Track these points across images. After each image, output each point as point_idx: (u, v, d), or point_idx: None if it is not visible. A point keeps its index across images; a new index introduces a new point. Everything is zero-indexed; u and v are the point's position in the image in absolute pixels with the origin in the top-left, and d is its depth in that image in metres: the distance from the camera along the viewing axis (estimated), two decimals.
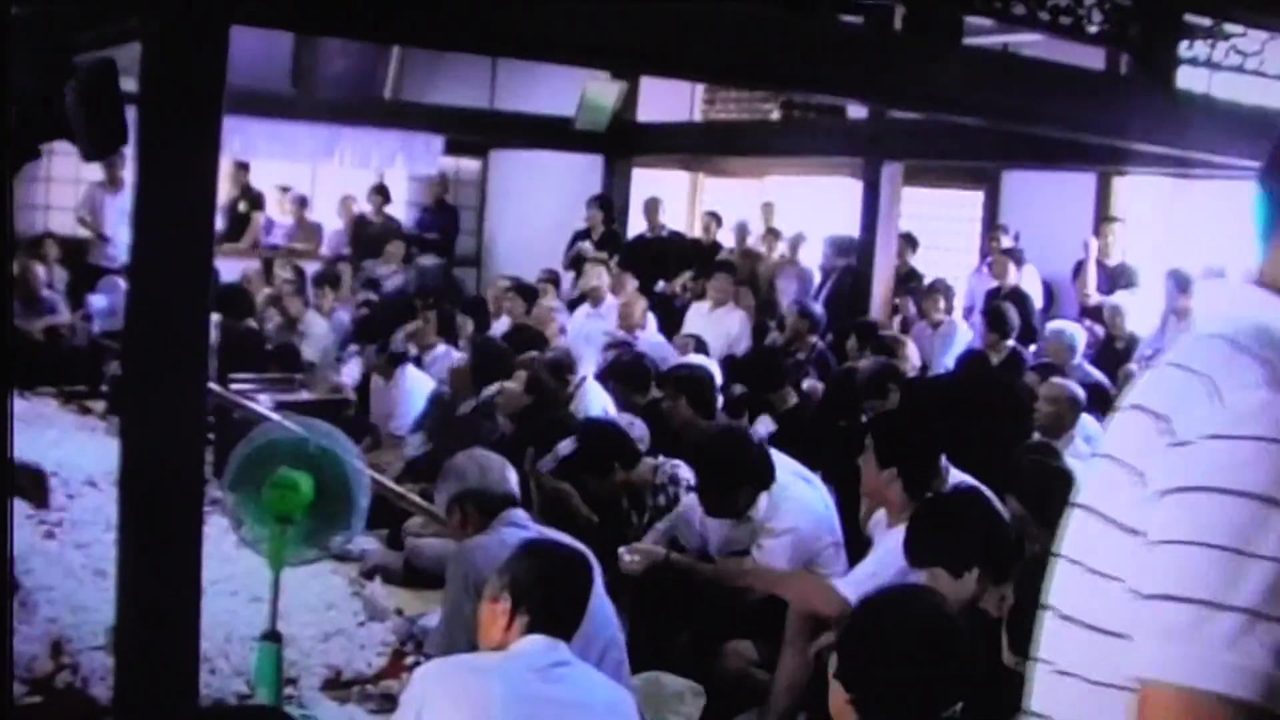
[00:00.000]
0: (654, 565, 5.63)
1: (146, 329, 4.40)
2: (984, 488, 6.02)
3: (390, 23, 5.65)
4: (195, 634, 4.66)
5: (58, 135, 2.88)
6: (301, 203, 15.10)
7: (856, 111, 12.20)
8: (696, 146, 14.71)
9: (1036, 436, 6.92)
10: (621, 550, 5.74)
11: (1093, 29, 6.69)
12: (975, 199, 12.77)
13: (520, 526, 4.77)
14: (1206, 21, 7.28)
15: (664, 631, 5.57)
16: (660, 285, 12.93)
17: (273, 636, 4.89)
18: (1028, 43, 8.82)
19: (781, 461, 6.60)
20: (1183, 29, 7.05)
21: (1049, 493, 5.48)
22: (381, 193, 14.89)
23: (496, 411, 7.58)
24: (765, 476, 5.57)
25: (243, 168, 15.05)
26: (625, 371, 8.28)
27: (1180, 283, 9.42)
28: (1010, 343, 9.49)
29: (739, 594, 5.48)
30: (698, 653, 5.44)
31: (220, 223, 14.46)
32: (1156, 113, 6.98)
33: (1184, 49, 7.06)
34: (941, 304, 10.52)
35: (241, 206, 15.14)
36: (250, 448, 4.87)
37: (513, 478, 4.96)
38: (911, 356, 9.42)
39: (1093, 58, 8.39)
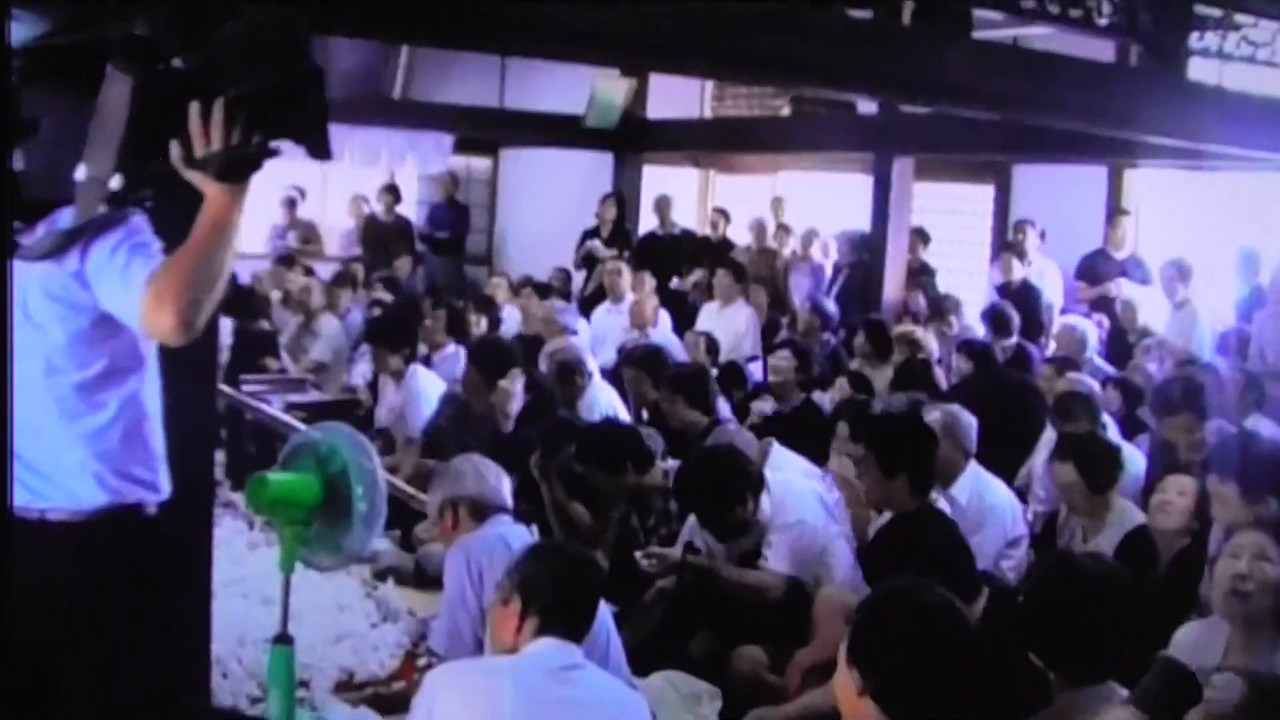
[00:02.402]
0: (671, 567, 5.63)
1: None
2: (996, 484, 6.09)
3: (396, 21, 5.65)
4: (206, 636, 4.66)
5: (296, 135, 2.89)
6: (290, 204, 15.05)
7: (867, 107, 12.16)
8: (706, 143, 14.69)
9: (1049, 431, 6.89)
10: (638, 554, 5.73)
11: (1102, 20, 6.64)
12: (986, 193, 12.73)
13: (511, 526, 4.77)
14: (1217, 12, 7.23)
15: (681, 633, 5.54)
16: (675, 282, 12.91)
17: (284, 639, 4.86)
18: (1038, 35, 8.77)
19: (787, 458, 6.61)
20: (1193, 20, 6.99)
21: (1101, 459, 5.53)
22: (392, 192, 14.87)
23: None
24: (756, 482, 5.56)
25: None
26: (642, 361, 8.26)
27: (1180, 273, 9.37)
28: (1013, 340, 9.44)
29: (756, 595, 5.45)
30: (715, 655, 5.41)
31: None
32: (1167, 104, 6.92)
33: (1195, 40, 7.01)
34: (953, 320, 10.45)
35: None
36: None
37: (506, 485, 4.94)
38: (930, 348, 9.40)
39: (1103, 50, 8.37)
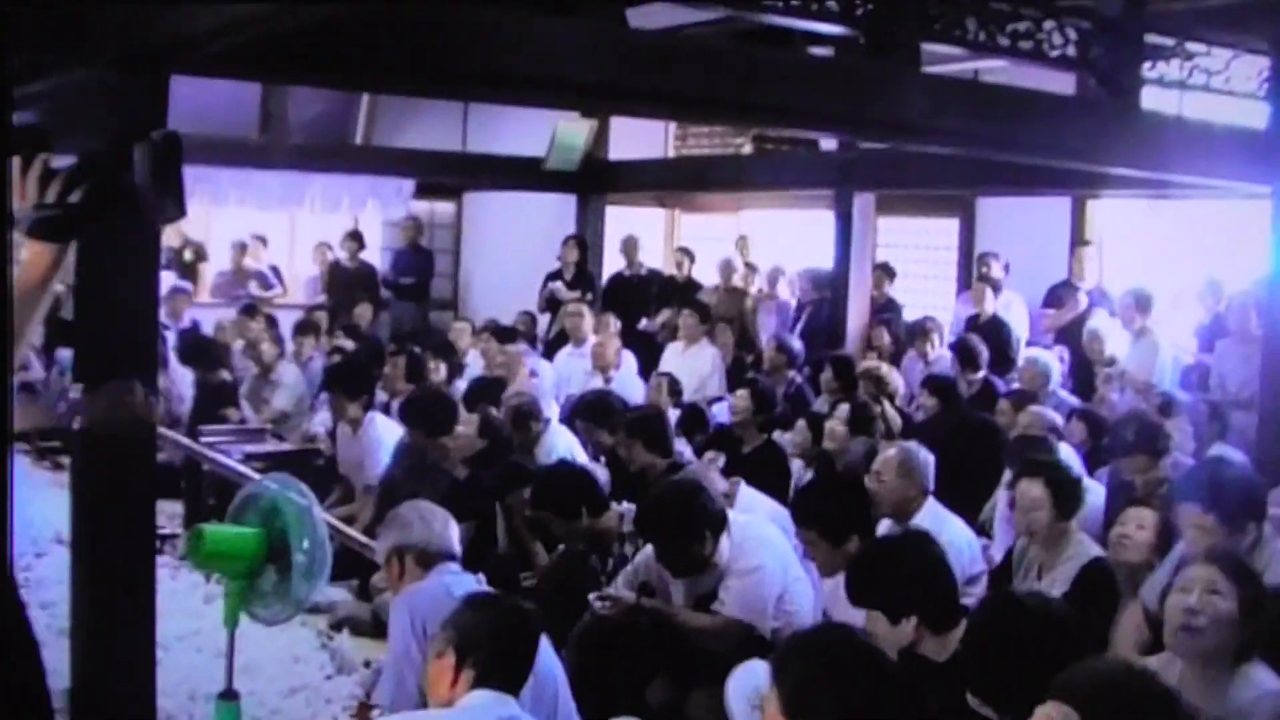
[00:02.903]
0: (625, 610, 5.55)
1: (95, 374, 4.35)
2: (953, 521, 6.02)
3: (358, 70, 5.63)
4: (151, 693, 4.58)
5: (127, 201, 2.83)
6: (241, 249, 14.96)
7: (829, 143, 12.17)
8: (668, 183, 14.65)
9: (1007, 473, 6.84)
10: (592, 596, 5.66)
11: (1054, 53, 6.63)
12: (951, 227, 12.69)
13: (458, 575, 4.69)
14: (1170, 41, 7.22)
15: (637, 677, 5.46)
16: (643, 323, 12.87)
17: (229, 695, 4.80)
18: (1000, 69, 8.74)
19: (754, 498, 6.55)
20: (1145, 50, 6.98)
21: (1068, 483, 5.49)
22: (355, 238, 14.82)
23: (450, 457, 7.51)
24: (718, 520, 5.48)
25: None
26: (588, 410, 8.23)
27: (1138, 302, 9.35)
28: (982, 374, 9.41)
29: (710, 640, 5.37)
30: (672, 701, 5.33)
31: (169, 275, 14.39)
32: (1121, 135, 6.92)
33: (1148, 70, 7.00)
34: (936, 340, 10.43)
35: (187, 255, 15.04)
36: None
37: (454, 533, 4.86)
38: (895, 384, 9.38)
39: (1064, 82, 8.36)
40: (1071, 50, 6.72)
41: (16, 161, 2.75)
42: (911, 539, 4.96)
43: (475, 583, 4.68)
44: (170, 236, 14.91)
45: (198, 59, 4.73)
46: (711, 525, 5.46)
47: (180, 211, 2.88)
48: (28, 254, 2.82)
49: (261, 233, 15.32)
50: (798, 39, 8.84)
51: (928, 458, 6.11)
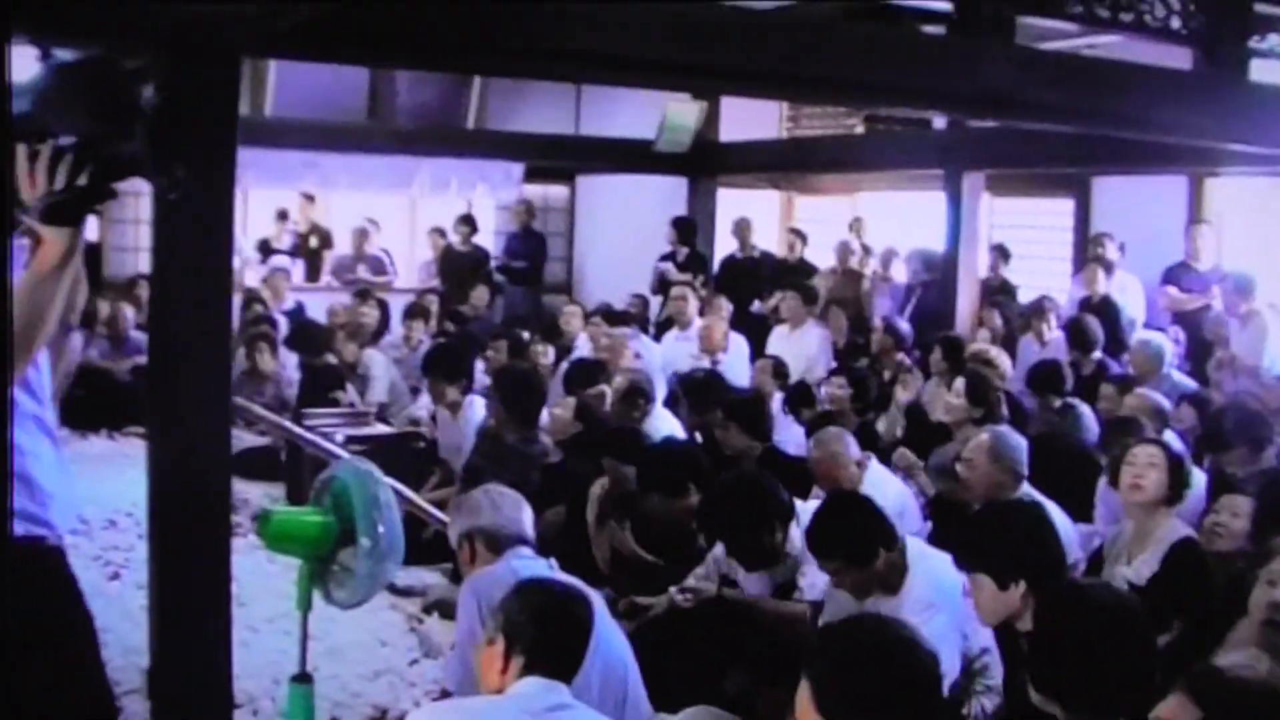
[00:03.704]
0: (706, 602, 5.47)
1: (169, 358, 4.39)
2: (1050, 507, 5.85)
3: (470, 53, 5.64)
4: (227, 675, 4.60)
5: (131, 174, 2.85)
6: (361, 234, 15.04)
7: (940, 123, 11.98)
8: (778, 163, 14.54)
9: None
10: (672, 589, 5.59)
11: (1155, 24, 6.42)
12: (1066, 207, 12.44)
13: (528, 560, 4.64)
14: None
15: (714, 670, 5.37)
16: (755, 306, 12.78)
17: (303, 678, 4.79)
18: (1119, 45, 8.50)
19: (879, 475, 6.44)
20: (1254, 21, 6.75)
21: (1178, 460, 5.31)
22: (468, 223, 14.84)
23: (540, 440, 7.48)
24: (786, 510, 5.38)
25: (309, 200, 15.11)
26: (692, 390, 8.14)
27: (1238, 287, 9.07)
28: (1096, 356, 9.19)
29: (793, 629, 5.27)
30: (749, 692, 5.24)
31: (292, 261, 14.54)
32: (1231, 108, 6.69)
33: (1256, 41, 6.77)
34: (1051, 321, 10.22)
35: (313, 242, 15.20)
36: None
37: (526, 517, 4.82)
38: (1004, 367, 9.18)
39: (1181, 58, 8.12)
40: (1175, 22, 6.52)
41: (22, 150, 2.75)
42: (1023, 504, 4.82)
43: (546, 568, 4.63)
44: (298, 222, 15.12)
45: (266, 40, 4.75)
46: (779, 514, 5.37)
47: (188, 173, 2.87)
48: (44, 240, 2.83)
49: (376, 218, 15.41)
50: (908, 17, 8.74)
51: (1020, 442, 5.95)
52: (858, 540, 4.84)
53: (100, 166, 2.78)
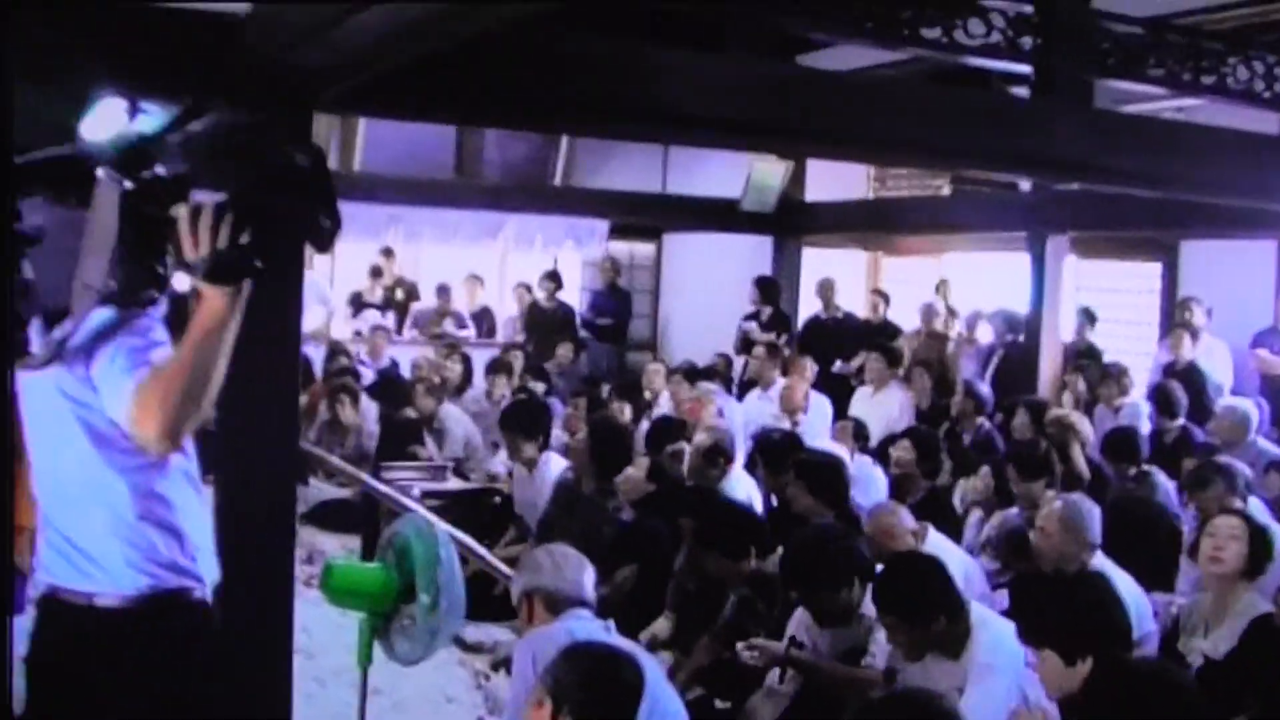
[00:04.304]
0: (773, 660, 5.43)
1: (236, 406, 4.43)
2: (1123, 577, 5.76)
3: (558, 114, 5.70)
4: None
5: (286, 231, 2.96)
6: (441, 290, 15.14)
7: (1028, 185, 11.91)
8: (863, 224, 14.51)
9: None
10: (740, 645, 5.56)
11: (1238, 87, 6.36)
12: (1153, 270, 12.30)
13: (585, 621, 4.62)
14: None
15: None
16: (837, 366, 12.72)
17: None
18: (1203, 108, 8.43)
19: (939, 543, 6.34)
20: None
21: (1259, 531, 5.22)
22: (553, 279, 14.91)
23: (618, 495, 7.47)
24: (867, 568, 5.33)
25: (387, 255, 15.20)
26: (767, 450, 8.09)
27: None
28: (1179, 422, 9.06)
29: (859, 693, 5.21)
30: None
31: (383, 315, 14.67)
32: None
33: None
34: (1118, 388, 10.08)
35: (399, 295, 15.32)
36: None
37: (588, 578, 4.80)
38: (1086, 432, 9.05)
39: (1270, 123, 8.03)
40: (1259, 84, 6.45)
41: (184, 211, 2.83)
42: (1089, 578, 4.75)
43: (603, 630, 4.61)
44: (386, 276, 15.27)
45: (343, 97, 4.82)
46: (859, 571, 5.33)
47: (336, 227, 2.93)
48: (205, 299, 2.88)
49: (479, 273, 15.51)
50: (994, 80, 8.71)
51: (1093, 510, 5.85)
52: (917, 600, 4.80)
53: (260, 225, 2.84)
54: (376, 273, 15.12)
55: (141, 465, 3.09)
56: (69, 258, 2.90)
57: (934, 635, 4.76)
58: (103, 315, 2.98)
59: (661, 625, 6.61)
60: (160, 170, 2.93)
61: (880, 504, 6.78)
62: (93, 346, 2.99)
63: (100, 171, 2.87)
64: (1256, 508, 6.76)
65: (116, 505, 3.10)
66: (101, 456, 3.07)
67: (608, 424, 8.32)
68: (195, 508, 3.26)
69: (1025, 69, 6.87)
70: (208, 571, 3.28)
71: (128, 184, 2.86)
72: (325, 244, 2.99)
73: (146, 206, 2.87)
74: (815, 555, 5.42)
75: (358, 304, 14.86)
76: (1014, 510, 7.19)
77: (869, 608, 5.30)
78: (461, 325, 14.90)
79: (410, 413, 10.64)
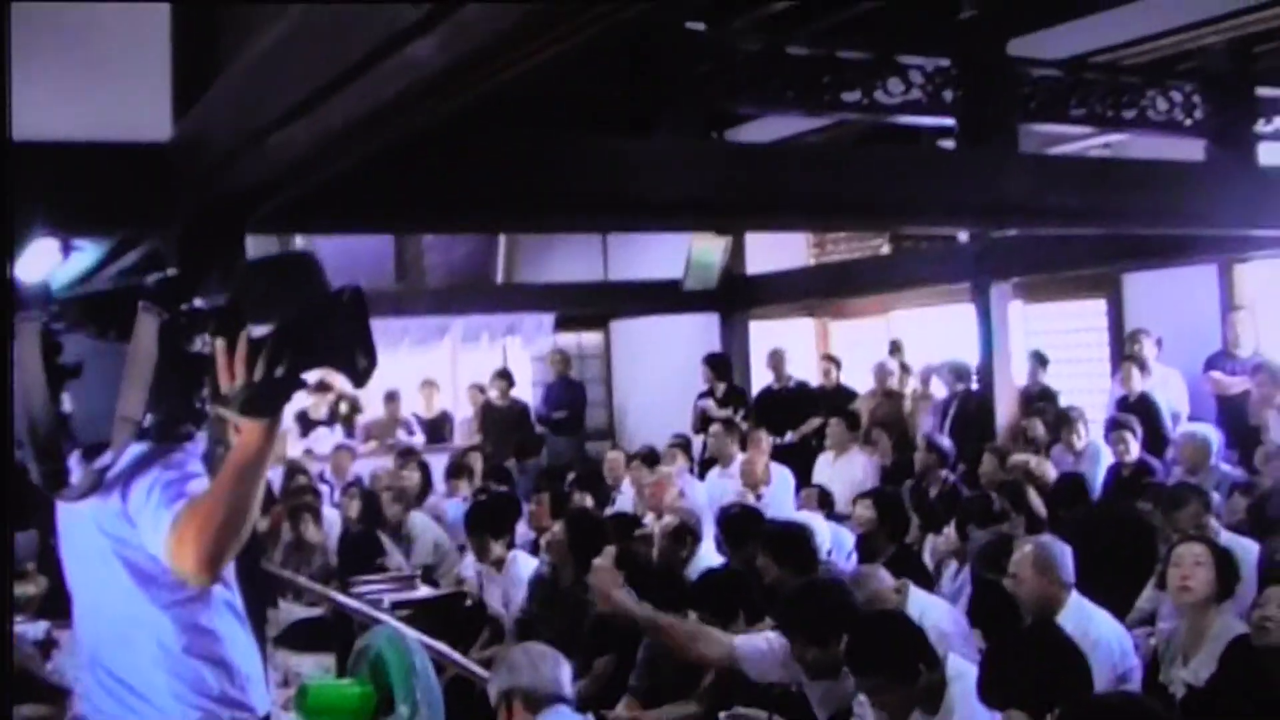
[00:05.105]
0: None
1: None
2: (1100, 616, 5.75)
3: (497, 215, 5.70)
4: None
5: (322, 364, 2.96)
6: (389, 398, 15.07)
7: (966, 236, 12.00)
8: (807, 291, 14.59)
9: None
10: (723, 714, 5.52)
11: (1158, 119, 6.45)
12: (1099, 307, 12.39)
13: (567, 717, 4.57)
14: None
15: None
16: (787, 436, 12.70)
17: None
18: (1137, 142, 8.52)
19: (923, 600, 6.32)
20: (1258, 106, 6.77)
21: (1225, 554, 5.24)
22: (505, 377, 14.85)
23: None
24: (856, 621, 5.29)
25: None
26: (728, 525, 8.07)
27: (1273, 375, 9.06)
28: (1135, 455, 9.10)
29: None
30: None
31: (330, 429, 14.57)
32: (1244, 193, 6.70)
33: (1263, 125, 6.78)
34: (1081, 430, 10.11)
35: (343, 409, 15.21)
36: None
37: (566, 675, 4.75)
38: (1047, 476, 9.06)
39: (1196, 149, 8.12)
40: (1179, 114, 6.54)
41: (220, 343, 2.85)
42: (1037, 629, 4.75)
43: None
44: (329, 392, 15.18)
45: (275, 216, 4.81)
46: (844, 627, 5.28)
47: (372, 364, 2.94)
48: (242, 431, 2.90)
49: (431, 376, 15.48)
50: (922, 135, 8.79)
51: (1064, 550, 5.84)
52: (900, 657, 4.73)
53: (296, 357, 2.85)
54: (321, 387, 14.99)
55: (184, 599, 3.10)
56: (109, 390, 2.94)
57: (919, 691, 4.72)
58: (139, 449, 3.00)
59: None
60: (199, 303, 2.97)
61: (858, 570, 6.75)
62: (129, 480, 3.00)
63: (140, 304, 2.90)
64: (1216, 530, 6.77)
65: (162, 640, 3.10)
66: (144, 593, 3.08)
67: (585, 515, 8.29)
68: (242, 638, 3.26)
69: (949, 121, 6.94)
70: (259, 702, 3.27)
71: (166, 316, 2.90)
72: (360, 380, 2.99)
73: (184, 339, 2.93)
74: (805, 609, 5.39)
75: (305, 422, 14.75)
76: None
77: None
78: (410, 432, 14.83)
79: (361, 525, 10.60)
